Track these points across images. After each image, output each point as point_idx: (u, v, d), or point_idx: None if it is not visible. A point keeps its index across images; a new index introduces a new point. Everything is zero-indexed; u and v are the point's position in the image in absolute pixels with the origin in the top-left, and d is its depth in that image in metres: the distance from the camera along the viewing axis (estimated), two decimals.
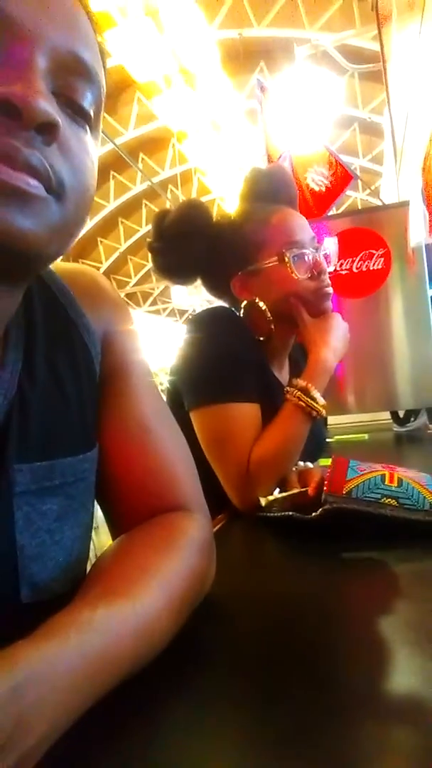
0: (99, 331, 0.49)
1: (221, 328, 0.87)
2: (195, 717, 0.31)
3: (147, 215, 14.27)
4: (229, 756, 0.28)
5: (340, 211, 3.29)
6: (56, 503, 0.42)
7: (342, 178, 2.97)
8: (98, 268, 14.10)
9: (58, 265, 0.48)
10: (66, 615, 0.30)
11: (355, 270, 2.12)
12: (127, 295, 14.54)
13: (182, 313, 15.13)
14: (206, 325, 0.87)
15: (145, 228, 14.52)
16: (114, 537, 0.49)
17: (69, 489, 0.43)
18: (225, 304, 0.98)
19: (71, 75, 0.34)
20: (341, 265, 2.17)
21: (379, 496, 0.65)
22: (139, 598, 0.34)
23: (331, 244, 0.89)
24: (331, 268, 0.89)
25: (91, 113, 0.36)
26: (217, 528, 0.76)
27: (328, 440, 1.73)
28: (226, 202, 11.70)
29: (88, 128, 0.36)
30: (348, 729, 0.28)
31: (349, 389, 2.13)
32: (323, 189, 2.95)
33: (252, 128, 9.10)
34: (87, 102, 0.35)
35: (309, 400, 0.79)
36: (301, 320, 0.87)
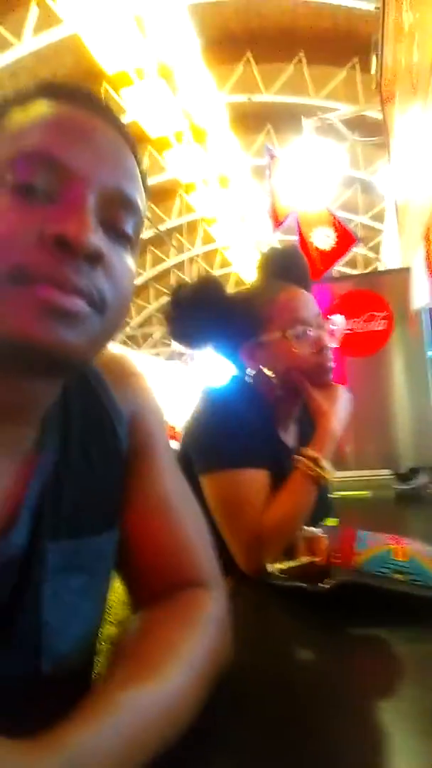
0: (127, 414, 0.52)
1: (232, 396, 0.91)
2: None
3: (152, 260, 14.67)
4: None
5: (341, 263, 3.40)
6: (81, 579, 0.45)
7: (345, 239, 3.10)
8: None
9: None
10: (101, 698, 0.32)
11: (358, 330, 2.19)
12: (128, 337, 14.73)
13: (182, 355, 15.28)
14: (218, 393, 0.91)
15: (150, 271, 14.90)
16: (134, 607, 0.51)
17: (92, 566, 0.47)
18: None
19: (116, 207, 0.39)
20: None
21: (389, 570, 0.67)
22: (166, 680, 0.36)
23: (337, 321, 0.95)
24: (335, 344, 0.94)
25: (132, 236, 0.41)
26: None
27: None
28: (230, 250, 12.07)
29: (129, 247, 0.41)
30: None
31: (350, 446, 2.16)
32: (327, 248, 3.08)
33: (256, 184, 9.52)
34: (129, 228, 0.41)
35: (318, 469, 0.82)
36: (306, 392, 0.91)
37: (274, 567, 0.76)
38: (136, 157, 0.43)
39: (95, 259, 0.36)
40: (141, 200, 0.42)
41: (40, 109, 0.39)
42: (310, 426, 0.97)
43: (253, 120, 10.16)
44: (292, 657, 0.58)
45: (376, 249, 11.86)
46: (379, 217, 11.55)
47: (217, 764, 0.36)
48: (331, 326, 0.94)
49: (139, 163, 0.43)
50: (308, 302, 0.94)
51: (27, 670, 0.41)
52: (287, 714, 0.43)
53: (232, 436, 0.86)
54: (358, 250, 12.45)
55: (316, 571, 0.74)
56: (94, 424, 0.49)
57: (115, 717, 0.31)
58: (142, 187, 0.43)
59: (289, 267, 1.02)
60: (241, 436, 0.86)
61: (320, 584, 0.67)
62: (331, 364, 0.91)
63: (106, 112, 0.41)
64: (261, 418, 0.91)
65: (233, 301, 0.98)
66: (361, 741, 0.38)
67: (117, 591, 0.92)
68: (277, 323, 0.92)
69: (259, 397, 0.93)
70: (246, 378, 0.96)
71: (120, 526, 0.50)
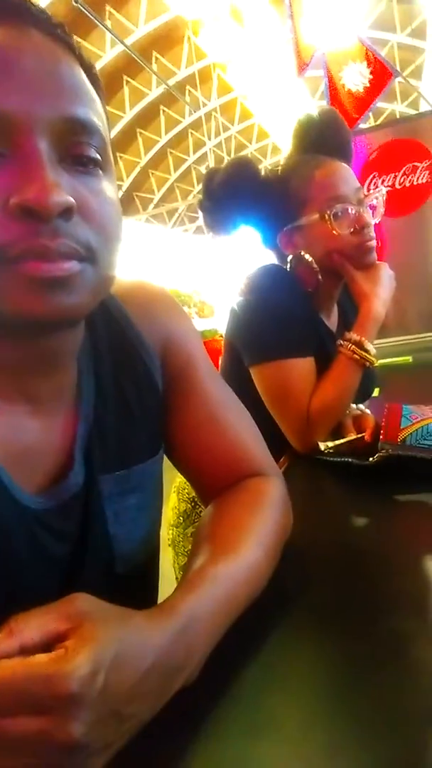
0: (157, 344, 0.55)
1: (273, 286, 0.91)
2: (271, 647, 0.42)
3: (166, 123, 13.44)
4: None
5: (377, 103, 3.04)
6: (135, 498, 0.52)
7: (381, 74, 2.73)
8: (119, 187, 13.62)
9: (118, 283, 0.54)
10: (198, 573, 0.41)
11: (398, 186, 2.03)
12: (153, 216, 14.10)
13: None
14: (259, 285, 0.92)
15: (165, 137, 13.74)
16: (204, 501, 0.59)
17: (143, 486, 0.53)
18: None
19: (72, 135, 0.36)
20: (383, 181, 2.09)
21: (431, 443, 0.72)
22: (245, 554, 0.44)
23: (378, 196, 0.89)
24: (377, 220, 0.90)
25: (99, 157, 0.38)
26: (281, 470, 0.86)
27: None
28: (249, 100, 10.84)
29: (100, 170, 0.39)
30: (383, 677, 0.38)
31: (391, 310, 2.13)
32: (360, 89, 2.73)
33: (275, 12, 8.17)
34: (92, 150, 0.38)
35: (363, 353, 0.85)
36: (347, 274, 0.90)
37: (325, 445, 0.84)
38: (79, 57, 0.39)
39: (66, 213, 0.35)
40: (97, 114, 0.38)
41: None
42: (352, 307, 0.97)
43: None
44: (344, 524, 0.67)
45: (417, 74, 10.35)
46: (419, 33, 9.91)
47: (292, 607, 0.45)
48: (371, 201, 0.90)
49: (84, 64, 0.39)
50: (347, 177, 0.89)
51: (105, 571, 0.50)
52: (346, 572, 0.52)
53: (275, 327, 0.88)
54: (396, 107, 10.94)
55: (363, 447, 0.80)
56: (123, 361, 0.52)
57: (211, 587, 0.39)
58: (94, 94, 0.39)
59: (326, 136, 0.95)
60: (284, 326, 0.88)
61: (369, 459, 0.74)
62: (373, 243, 0.88)
63: (26, 15, 0.36)
64: (302, 306, 0.92)
65: (268, 184, 0.93)
66: (412, 592, 0.47)
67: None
68: (314, 204, 0.88)
69: (299, 284, 0.93)
70: (285, 263, 0.95)
71: (179, 437, 0.56)
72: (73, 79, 0.37)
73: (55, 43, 0.37)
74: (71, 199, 0.34)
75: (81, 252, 0.36)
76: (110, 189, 0.40)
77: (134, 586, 0.54)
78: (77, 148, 0.37)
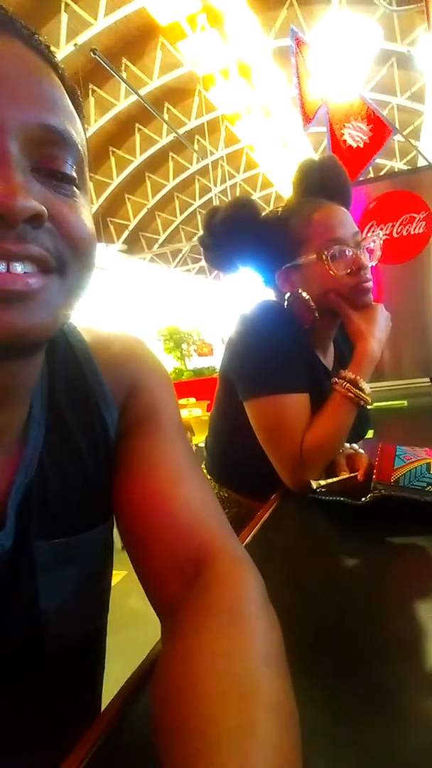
0: (120, 394, 0.49)
1: (270, 322, 0.92)
2: None
3: (174, 169, 13.95)
4: None
5: (377, 158, 3.17)
6: (76, 569, 0.45)
7: (380, 131, 2.86)
8: (126, 226, 14.00)
9: (95, 332, 0.51)
10: None
11: (395, 235, 2.09)
12: (157, 256, 14.43)
13: (212, 270, 14.95)
14: (256, 320, 0.93)
15: (173, 182, 14.23)
16: (153, 599, 0.42)
17: (88, 557, 0.47)
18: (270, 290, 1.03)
19: (46, 146, 0.33)
20: (381, 229, 2.15)
21: (424, 484, 0.71)
22: (269, 736, 0.27)
23: (375, 239, 0.92)
24: (374, 262, 0.92)
25: (74, 174, 0.36)
26: (272, 507, 0.84)
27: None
28: (255, 151, 11.30)
29: (75, 188, 0.36)
30: (381, 722, 0.36)
31: (387, 355, 2.15)
32: (361, 145, 2.86)
33: (280, 71, 8.63)
34: (68, 166, 0.35)
35: (357, 391, 0.84)
36: (344, 313, 0.91)
37: (317, 483, 0.82)
38: (61, 77, 0.37)
39: (34, 219, 0.31)
40: (75, 130, 0.36)
41: None
42: (348, 345, 0.98)
43: None
44: (334, 563, 0.65)
45: (415, 134, 10.84)
46: (418, 97, 10.42)
47: None
48: (368, 244, 0.92)
49: (66, 85, 0.37)
50: (345, 220, 0.91)
51: (31, 650, 0.43)
52: (334, 613, 0.50)
53: (271, 363, 0.89)
54: (395, 164, 11.44)
55: (356, 487, 0.79)
56: (80, 414, 0.46)
57: None
58: (74, 112, 0.37)
59: (326, 181, 0.98)
60: (280, 362, 0.88)
61: (362, 499, 0.73)
62: (369, 285, 0.90)
63: (12, 28, 0.34)
64: (299, 343, 0.93)
65: (268, 223, 0.96)
66: (402, 634, 0.45)
67: None
68: (312, 245, 0.90)
69: (296, 321, 0.94)
70: (283, 301, 0.97)
71: (128, 501, 0.45)
72: (52, 91, 0.34)
73: (38, 57, 0.35)
74: (41, 206, 0.31)
75: (49, 261, 0.33)
76: (86, 207, 0.37)
77: (70, 668, 0.47)
78: (53, 163, 0.34)
